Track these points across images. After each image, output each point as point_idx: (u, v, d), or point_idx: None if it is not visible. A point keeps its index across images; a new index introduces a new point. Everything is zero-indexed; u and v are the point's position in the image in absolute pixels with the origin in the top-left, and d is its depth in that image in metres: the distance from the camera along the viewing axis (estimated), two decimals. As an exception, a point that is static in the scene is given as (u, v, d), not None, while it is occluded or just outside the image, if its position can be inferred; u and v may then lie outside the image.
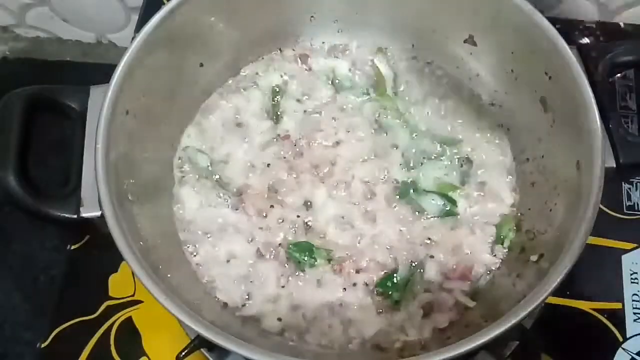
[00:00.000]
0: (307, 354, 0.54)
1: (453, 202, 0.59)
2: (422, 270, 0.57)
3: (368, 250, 0.57)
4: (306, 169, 0.61)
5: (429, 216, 0.59)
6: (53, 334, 0.65)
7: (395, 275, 0.56)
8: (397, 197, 0.59)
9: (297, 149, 0.62)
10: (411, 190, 0.59)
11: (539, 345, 0.61)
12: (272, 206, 0.59)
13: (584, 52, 0.56)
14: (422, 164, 0.61)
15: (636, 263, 0.66)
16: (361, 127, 0.63)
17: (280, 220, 0.59)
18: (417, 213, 0.59)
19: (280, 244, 0.58)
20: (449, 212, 0.59)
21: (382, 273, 0.57)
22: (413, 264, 0.57)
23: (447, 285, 0.56)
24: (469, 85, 0.65)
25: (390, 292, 0.56)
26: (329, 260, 0.57)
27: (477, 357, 0.56)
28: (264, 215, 0.59)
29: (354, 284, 0.56)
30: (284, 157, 0.62)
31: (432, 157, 0.62)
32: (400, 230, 0.58)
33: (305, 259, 0.57)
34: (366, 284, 0.56)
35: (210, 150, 0.62)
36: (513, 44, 0.58)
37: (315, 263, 0.57)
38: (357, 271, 0.57)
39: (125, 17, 0.93)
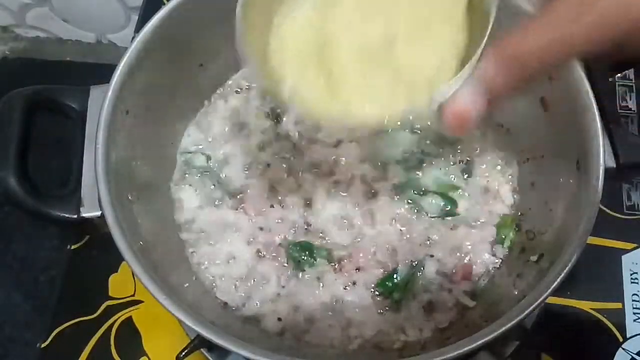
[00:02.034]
0: (307, 354, 0.53)
1: (453, 202, 0.59)
2: (422, 271, 0.57)
3: (368, 249, 0.57)
4: (306, 169, 0.61)
5: (429, 216, 0.59)
6: (53, 334, 0.65)
7: (395, 275, 0.56)
8: (397, 197, 0.59)
9: (297, 149, 0.62)
10: (411, 190, 0.59)
11: (539, 345, 0.62)
12: (272, 206, 0.59)
13: (584, 52, 0.56)
14: (422, 164, 0.61)
15: (636, 263, 0.66)
16: (361, 126, 0.63)
17: (280, 220, 0.59)
18: (417, 213, 0.59)
19: (280, 244, 0.58)
20: (449, 212, 0.59)
21: (382, 273, 0.57)
22: (413, 264, 0.57)
23: (447, 285, 0.56)
24: (469, 85, 0.65)
25: (390, 292, 0.56)
26: (329, 260, 0.57)
27: (477, 357, 0.56)
28: (264, 215, 0.59)
29: (354, 283, 0.56)
30: (284, 157, 0.62)
31: (433, 157, 0.62)
32: (400, 230, 0.58)
33: (305, 258, 0.57)
34: (366, 284, 0.56)
35: (211, 150, 0.62)
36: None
37: (315, 263, 0.57)
38: (357, 269, 0.57)
39: (125, 17, 0.92)
